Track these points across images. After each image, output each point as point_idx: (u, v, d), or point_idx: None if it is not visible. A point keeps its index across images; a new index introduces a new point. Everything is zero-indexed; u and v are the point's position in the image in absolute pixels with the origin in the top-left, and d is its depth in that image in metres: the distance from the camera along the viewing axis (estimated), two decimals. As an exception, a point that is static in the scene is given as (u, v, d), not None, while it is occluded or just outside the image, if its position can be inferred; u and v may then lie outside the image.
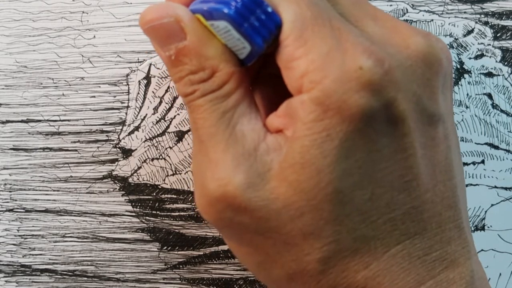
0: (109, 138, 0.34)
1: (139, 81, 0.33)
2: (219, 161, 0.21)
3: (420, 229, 0.22)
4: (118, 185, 0.34)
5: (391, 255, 0.21)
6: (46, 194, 0.34)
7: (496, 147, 0.33)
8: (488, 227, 0.33)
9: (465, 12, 0.33)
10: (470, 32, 0.33)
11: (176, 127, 0.33)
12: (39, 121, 0.34)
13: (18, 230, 0.34)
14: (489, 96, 0.33)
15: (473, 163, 0.33)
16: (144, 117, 0.33)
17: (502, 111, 0.33)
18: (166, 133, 0.33)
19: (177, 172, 0.33)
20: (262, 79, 0.27)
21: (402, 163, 0.21)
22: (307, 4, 0.21)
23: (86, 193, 0.34)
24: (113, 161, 0.34)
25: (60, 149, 0.34)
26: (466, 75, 0.33)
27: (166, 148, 0.33)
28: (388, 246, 0.21)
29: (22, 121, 0.34)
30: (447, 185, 0.22)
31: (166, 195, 0.33)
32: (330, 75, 0.20)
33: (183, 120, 0.33)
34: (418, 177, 0.21)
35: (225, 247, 0.33)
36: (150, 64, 0.33)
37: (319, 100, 0.20)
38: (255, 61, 0.23)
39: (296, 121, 0.21)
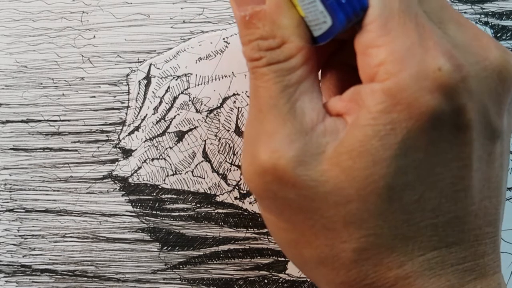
0: (109, 138, 0.34)
1: (139, 81, 0.33)
2: (274, 133, 0.21)
3: (458, 239, 0.22)
4: (118, 185, 0.34)
5: (426, 259, 0.21)
6: (46, 194, 0.34)
7: (496, 147, 0.33)
8: (488, 227, 0.33)
9: (465, 12, 0.33)
10: (470, 32, 0.33)
11: (176, 127, 0.33)
12: (39, 121, 0.34)
13: (18, 230, 0.34)
14: (489, 96, 0.33)
15: (473, 163, 0.33)
16: (144, 117, 0.33)
17: (502, 111, 0.33)
18: (166, 133, 0.33)
19: (177, 172, 0.33)
20: (330, 65, 0.27)
21: (456, 172, 0.21)
22: None
23: (86, 193, 0.34)
24: (113, 161, 0.34)
25: (60, 149, 0.34)
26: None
27: (166, 148, 0.33)
28: (424, 249, 0.21)
29: (22, 121, 0.34)
30: (492, 202, 0.22)
31: (166, 195, 0.33)
32: (408, 70, 0.20)
33: (183, 120, 0.33)
34: (468, 189, 0.21)
35: (225, 247, 0.33)
36: (150, 64, 0.33)
37: (391, 92, 0.20)
38: (328, 45, 0.22)
39: (362, 109, 0.21)
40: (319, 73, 0.27)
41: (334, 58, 0.27)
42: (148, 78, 0.33)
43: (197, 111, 0.33)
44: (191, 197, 0.33)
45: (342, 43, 0.25)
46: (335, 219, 0.21)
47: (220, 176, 0.33)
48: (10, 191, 0.34)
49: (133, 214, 0.34)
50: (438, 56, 0.20)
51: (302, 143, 0.21)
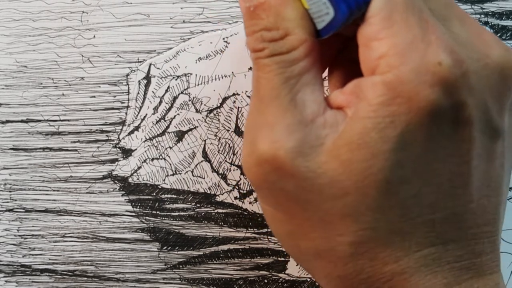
0: (109, 138, 0.34)
1: (139, 81, 0.33)
2: (275, 123, 0.21)
3: (456, 236, 0.22)
4: (118, 185, 0.34)
5: (423, 255, 0.21)
6: (46, 194, 0.34)
7: (496, 147, 0.33)
8: (488, 227, 0.33)
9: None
10: (470, 32, 0.33)
11: (176, 127, 0.33)
12: (39, 121, 0.34)
13: (18, 230, 0.34)
14: (489, 96, 0.33)
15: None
16: (144, 117, 0.33)
17: (502, 111, 0.33)
18: (166, 133, 0.33)
19: (177, 172, 0.33)
20: (337, 62, 0.27)
21: (454, 168, 0.21)
22: None
23: (86, 193, 0.34)
24: (113, 161, 0.34)
25: (60, 149, 0.34)
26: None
27: (166, 148, 0.33)
28: (421, 245, 0.21)
29: (22, 121, 0.34)
30: (491, 201, 0.22)
31: (166, 195, 0.33)
32: (409, 63, 0.20)
33: (183, 120, 0.33)
34: (466, 186, 0.21)
35: (225, 247, 0.33)
36: (150, 64, 0.33)
37: (391, 84, 0.20)
38: (334, 42, 0.22)
39: (362, 101, 0.21)
40: (327, 70, 0.27)
41: (340, 55, 0.27)
42: (148, 78, 0.33)
43: (197, 111, 0.33)
44: (191, 197, 0.33)
45: (347, 40, 0.25)
46: (332, 211, 0.21)
47: (220, 176, 0.33)
48: (10, 191, 0.34)
49: (133, 214, 0.34)
50: (439, 51, 0.20)
51: (302, 134, 0.21)
